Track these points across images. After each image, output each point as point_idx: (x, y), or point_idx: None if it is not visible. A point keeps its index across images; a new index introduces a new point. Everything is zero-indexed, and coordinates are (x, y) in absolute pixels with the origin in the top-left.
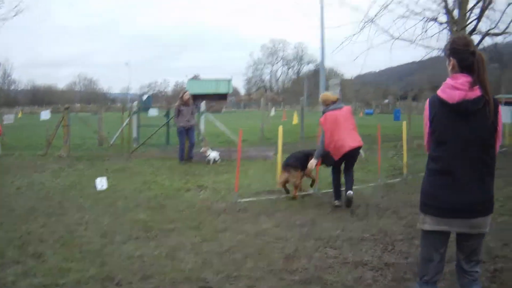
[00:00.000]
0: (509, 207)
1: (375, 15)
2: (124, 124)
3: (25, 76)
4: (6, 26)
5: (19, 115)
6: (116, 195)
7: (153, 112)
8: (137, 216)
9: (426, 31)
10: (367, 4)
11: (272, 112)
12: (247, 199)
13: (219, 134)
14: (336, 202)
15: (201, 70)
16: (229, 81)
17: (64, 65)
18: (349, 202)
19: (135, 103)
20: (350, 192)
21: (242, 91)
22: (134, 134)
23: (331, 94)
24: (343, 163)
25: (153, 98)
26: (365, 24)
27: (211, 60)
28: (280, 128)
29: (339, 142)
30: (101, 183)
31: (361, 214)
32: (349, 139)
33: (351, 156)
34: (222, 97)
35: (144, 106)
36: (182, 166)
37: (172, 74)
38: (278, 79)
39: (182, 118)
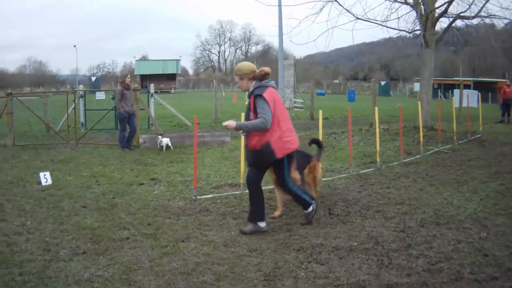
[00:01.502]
0: (503, 206)
1: None
2: (71, 108)
3: None
4: None
5: None
6: (60, 193)
7: (100, 95)
8: (84, 221)
9: (394, 11)
10: None
11: (222, 93)
12: (208, 196)
13: (169, 116)
14: (263, 225)
15: (149, 50)
16: (177, 61)
17: (13, 49)
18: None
19: (81, 86)
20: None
21: (191, 72)
22: (81, 119)
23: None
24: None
25: (102, 80)
26: (327, 2)
27: (158, 40)
28: (242, 115)
29: (287, 134)
30: (45, 178)
31: (341, 214)
32: (295, 135)
33: (289, 159)
34: (171, 77)
35: (93, 88)
36: (132, 154)
37: (120, 55)
38: (226, 59)
39: (126, 102)
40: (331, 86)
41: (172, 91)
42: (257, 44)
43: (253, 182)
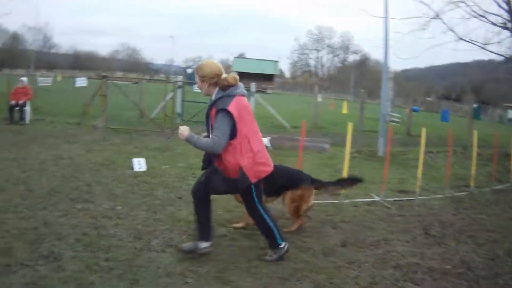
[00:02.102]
0: None
1: (439, 12)
2: (168, 97)
3: (67, 42)
4: None
5: (59, 78)
6: (155, 181)
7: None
8: (179, 212)
9: (496, 35)
10: None
11: (319, 99)
12: None
13: (267, 117)
14: (205, 245)
15: (246, 49)
16: (275, 62)
17: (107, 34)
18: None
19: (180, 77)
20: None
21: (287, 74)
22: (178, 110)
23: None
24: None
25: None
26: (431, 20)
27: (256, 40)
28: (350, 125)
29: (259, 155)
30: (139, 164)
31: (437, 236)
32: (267, 154)
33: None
34: (268, 77)
35: (189, 80)
36: None
37: (217, 51)
38: (323, 65)
39: None
40: (424, 103)
41: (268, 91)
42: (355, 53)
43: (202, 194)
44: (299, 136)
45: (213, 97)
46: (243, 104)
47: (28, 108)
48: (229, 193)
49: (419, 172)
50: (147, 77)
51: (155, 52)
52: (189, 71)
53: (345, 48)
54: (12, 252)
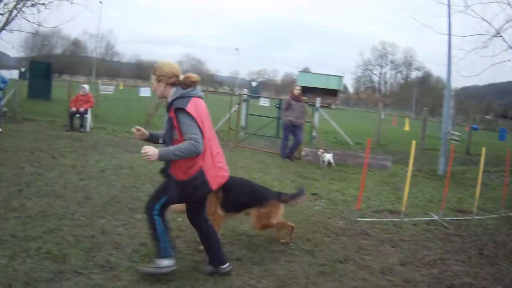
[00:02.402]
0: None
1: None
2: (232, 110)
3: (130, 50)
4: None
5: (120, 86)
6: None
7: (265, 101)
8: (241, 227)
9: None
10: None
11: (382, 115)
12: (368, 219)
13: (331, 132)
14: (165, 263)
15: (311, 63)
16: (340, 77)
17: (171, 44)
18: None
19: (246, 90)
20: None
21: (351, 89)
22: (242, 123)
23: None
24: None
25: (262, 86)
26: (492, 37)
27: (320, 53)
28: (413, 144)
29: (218, 158)
30: None
31: (490, 256)
32: (224, 160)
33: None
34: (332, 93)
35: (253, 93)
36: (293, 165)
37: (281, 64)
38: (386, 82)
39: (291, 112)
40: (482, 122)
41: (332, 106)
42: (418, 70)
43: (156, 210)
44: (362, 153)
45: (170, 99)
46: (201, 105)
47: (89, 116)
48: (183, 201)
49: (477, 192)
50: (211, 89)
51: (220, 64)
52: (254, 84)
53: (408, 64)
54: (66, 259)
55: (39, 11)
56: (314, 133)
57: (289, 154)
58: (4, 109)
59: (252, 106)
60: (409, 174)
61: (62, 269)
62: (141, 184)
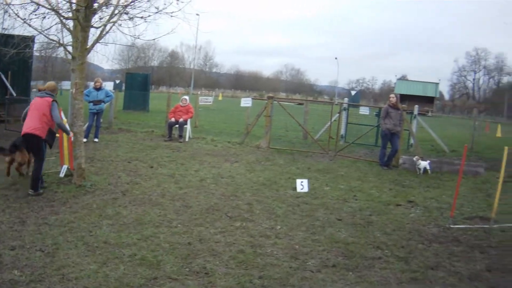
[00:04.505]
0: None
1: None
2: (333, 119)
3: (229, 61)
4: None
5: (219, 97)
6: (316, 202)
7: (365, 110)
8: (338, 234)
9: None
10: None
11: (477, 122)
12: (460, 226)
13: (428, 140)
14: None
15: (408, 70)
16: (436, 84)
17: (270, 55)
18: None
19: (346, 99)
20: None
21: (447, 96)
22: (342, 131)
23: None
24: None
25: (361, 94)
26: None
27: (417, 62)
28: (506, 150)
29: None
30: (302, 185)
31: None
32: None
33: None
34: (429, 100)
35: (352, 101)
36: (391, 173)
37: (380, 72)
38: (479, 87)
39: (389, 120)
40: None
41: (429, 114)
42: (509, 75)
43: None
44: (457, 160)
45: None
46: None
47: (188, 126)
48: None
49: None
50: (310, 98)
51: (319, 73)
52: (353, 92)
53: (500, 69)
54: (161, 265)
55: (136, 25)
56: (412, 141)
57: (387, 162)
58: (101, 120)
59: (352, 114)
60: (500, 180)
61: (156, 275)
62: (241, 193)
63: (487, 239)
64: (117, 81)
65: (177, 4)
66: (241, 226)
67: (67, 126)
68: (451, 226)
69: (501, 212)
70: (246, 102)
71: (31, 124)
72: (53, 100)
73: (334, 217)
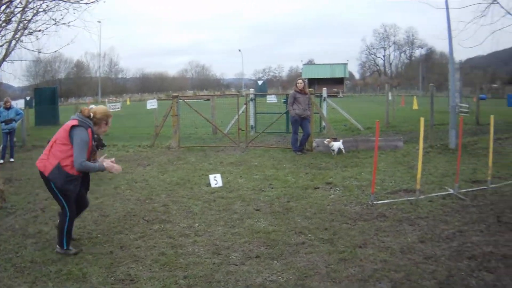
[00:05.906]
0: None
1: None
2: (240, 111)
3: (134, 65)
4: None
5: (127, 102)
6: (232, 196)
7: (272, 98)
8: (257, 224)
9: None
10: None
11: (389, 97)
12: (384, 201)
13: (340, 120)
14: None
15: (314, 55)
16: (344, 65)
17: (174, 54)
18: None
19: (252, 89)
20: None
21: (357, 76)
22: (251, 122)
23: None
24: None
25: (268, 83)
26: (489, 5)
27: (323, 45)
28: (422, 121)
29: None
30: (216, 180)
31: (509, 222)
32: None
33: None
34: (338, 81)
35: (260, 91)
36: (305, 158)
37: (286, 60)
38: (391, 63)
39: (298, 106)
40: (490, 90)
41: (340, 95)
42: (421, 48)
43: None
44: (372, 137)
45: None
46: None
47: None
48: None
49: (490, 161)
50: (218, 93)
51: (225, 67)
52: (260, 82)
53: (411, 43)
54: (87, 277)
55: (37, 38)
56: (323, 124)
57: (300, 147)
58: (14, 139)
59: (260, 104)
60: (420, 151)
61: None
62: (156, 195)
63: (415, 210)
64: (28, 98)
65: (74, 13)
66: (160, 228)
67: None
68: (374, 202)
69: (425, 182)
70: (151, 104)
71: None
72: None
73: (252, 208)
